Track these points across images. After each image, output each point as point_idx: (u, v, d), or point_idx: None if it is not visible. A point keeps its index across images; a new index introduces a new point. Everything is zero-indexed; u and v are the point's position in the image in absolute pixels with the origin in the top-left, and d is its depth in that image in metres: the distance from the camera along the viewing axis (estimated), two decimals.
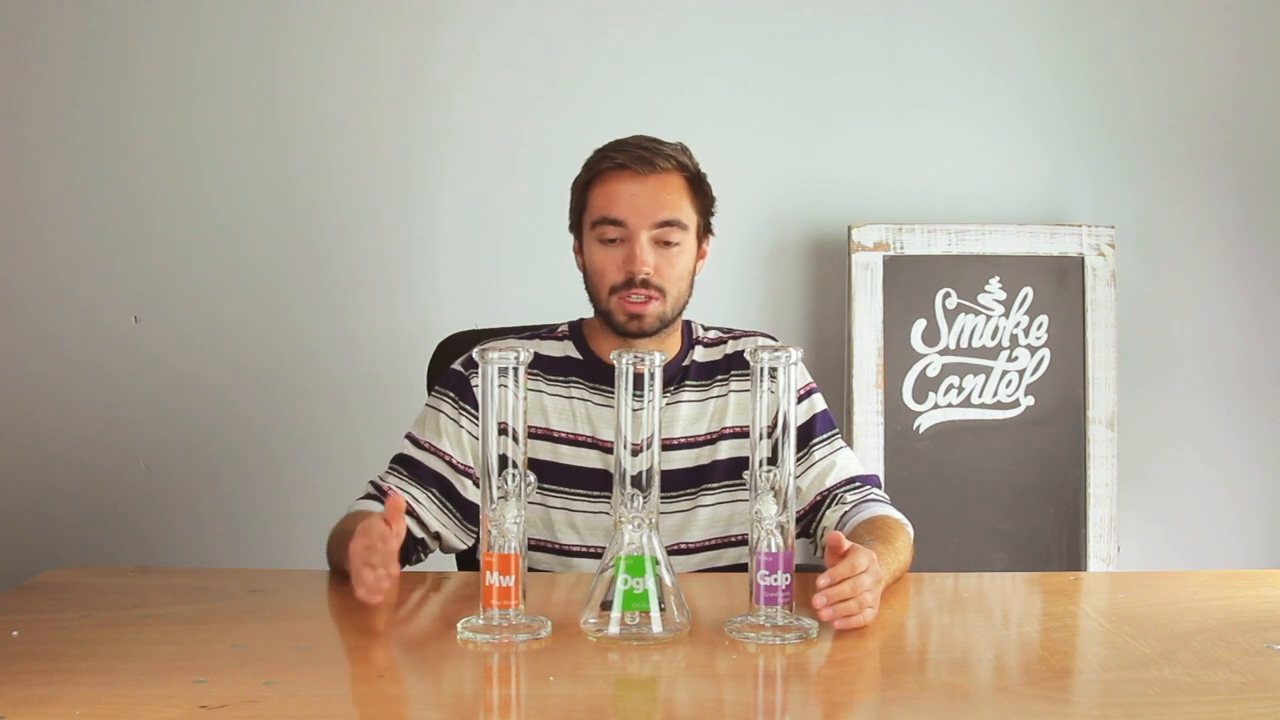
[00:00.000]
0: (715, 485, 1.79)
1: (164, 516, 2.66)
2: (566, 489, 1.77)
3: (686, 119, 2.60)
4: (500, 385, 1.39)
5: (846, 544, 1.44)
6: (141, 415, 2.65)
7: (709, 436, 1.80)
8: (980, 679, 1.30)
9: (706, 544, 1.79)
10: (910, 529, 1.71)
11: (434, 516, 1.74)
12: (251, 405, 2.66)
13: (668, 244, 1.73)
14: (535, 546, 1.76)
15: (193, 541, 2.66)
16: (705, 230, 1.81)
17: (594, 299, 1.78)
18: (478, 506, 1.75)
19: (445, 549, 1.79)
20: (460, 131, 2.66)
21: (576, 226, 1.80)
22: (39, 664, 1.30)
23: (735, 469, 1.79)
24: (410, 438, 1.79)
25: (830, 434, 1.82)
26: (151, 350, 2.65)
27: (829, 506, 1.76)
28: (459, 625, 1.39)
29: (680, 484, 1.78)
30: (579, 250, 1.81)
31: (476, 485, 1.76)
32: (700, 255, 1.80)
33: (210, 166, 2.64)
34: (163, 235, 2.64)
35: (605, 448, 1.77)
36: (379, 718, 1.20)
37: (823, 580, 1.40)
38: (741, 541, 1.78)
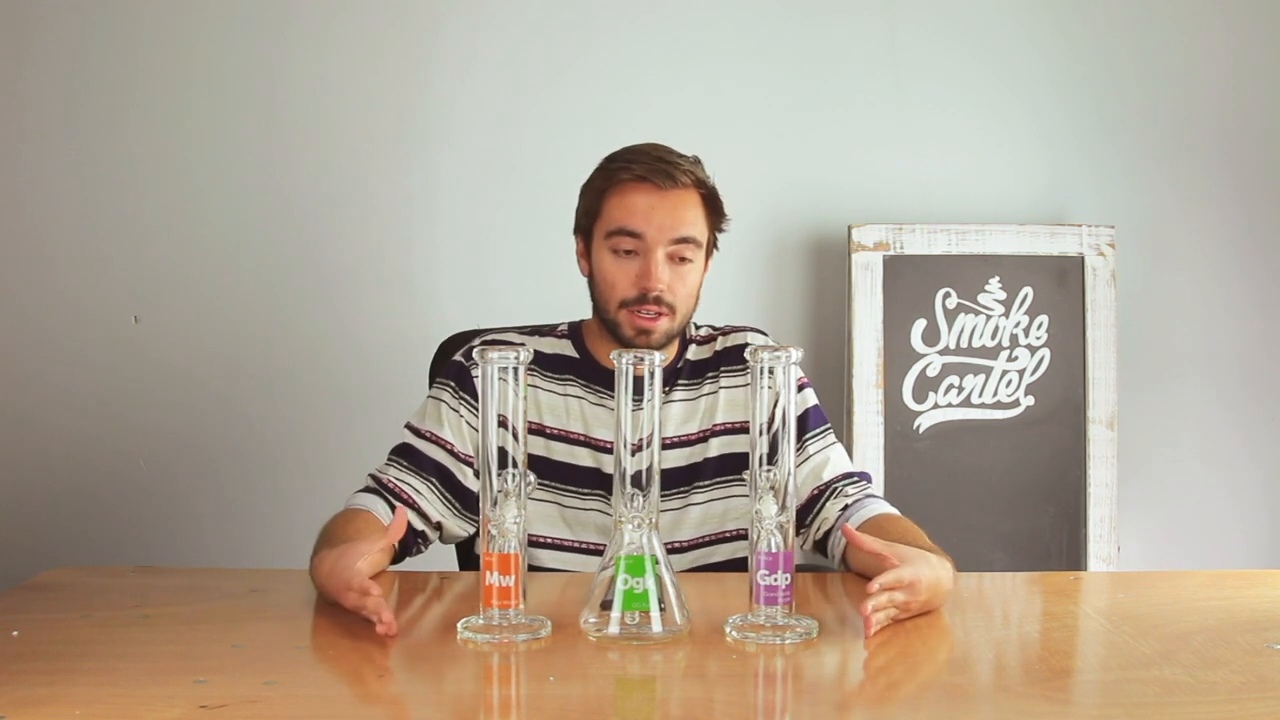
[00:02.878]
0: (706, 482, 1.79)
1: (164, 516, 2.66)
2: (557, 485, 1.78)
3: (687, 119, 2.60)
4: (500, 380, 1.39)
5: (886, 549, 1.45)
6: (141, 415, 2.65)
7: (701, 434, 1.80)
8: (980, 679, 1.30)
9: (700, 541, 1.79)
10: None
11: (433, 506, 1.74)
12: (251, 405, 2.66)
13: (682, 260, 1.73)
14: (529, 542, 1.76)
15: (193, 541, 2.66)
16: (713, 245, 1.81)
17: (601, 308, 1.77)
18: (477, 495, 1.76)
19: (446, 539, 1.79)
20: (460, 131, 2.66)
21: (586, 231, 1.78)
22: (39, 664, 1.30)
23: (726, 465, 1.79)
24: (410, 427, 1.79)
25: (823, 429, 1.82)
26: (151, 350, 2.65)
27: (829, 499, 1.75)
28: (459, 625, 1.39)
29: (673, 483, 1.78)
30: (584, 254, 1.80)
31: (477, 475, 1.76)
32: (704, 269, 1.80)
33: (210, 166, 2.64)
34: (163, 235, 2.64)
35: (597, 446, 1.77)
36: (379, 718, 1.20)
37: (874, 587, 1.40)
38: (736, 536, 1.78)
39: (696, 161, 1.77)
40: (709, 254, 1.80)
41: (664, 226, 1.71)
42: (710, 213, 1.77)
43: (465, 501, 1.77)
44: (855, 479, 1.78)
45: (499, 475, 1.39)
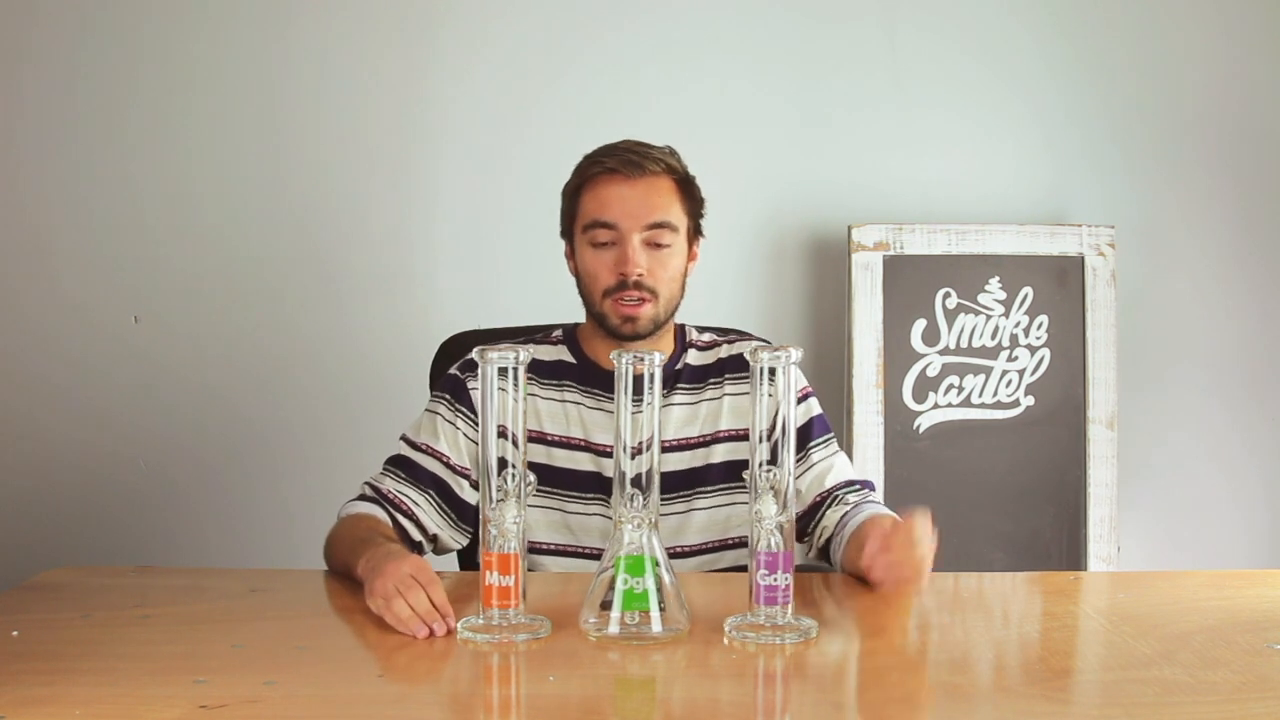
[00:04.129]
0: (710, 488, 1.79)
1: (164, 516, 2.66)
2: (560, 491, 1.78)
3: (686, 119, 2.60)
4: (500, 389, 1.39)
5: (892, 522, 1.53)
6: (141, 415, 2.65)
7: (702, 439, 1.80)
8: (980, 679, 1.30)
9: (704, 547, 1.79)
10: None
11: (431, 519, 1.74)
12: (251, 405, 2.66)
13: (659, 246, 1.74)
14: (531, 549, 1.76)
15: (193, 541, 2.66)
16: (695, 232, 1.81)
17: (587, 303, 1.79)
18: (473, 507, 1.76)
19: (440, 550, 1.79)
20: (460, 132, 2.66)
21: (568, 233, 1.81)
22: (39, 664, 1.30)
23: (731, 472, 1.79)
24: (406, 440, 1.79)
25: (827, 438, 1.83)
26: (151, 350, 2.65)
27: (829, 506, 1.76)
28: (459, 625, 1.39)
29: (674, 487, 1.78)
30: (570, 255, 1.81)
31: (473, 487, 1.76)
32: (691, 257, 1.80)
33: (210, 167, 2.64)
34: (163, 235, 2.64)
35: (598, 451, 1.77)
36: (379, 718, 1.20)
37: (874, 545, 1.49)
38: (740, 544, 1.78)
39: (670, 151, 1.78)
40: (692, 241, 1.80)
41: (636, 214, 1.72)
42: (686, 199, 1.77)
43: (461, 514, 1.77)
44: (857, 486, 1.79)
45: (499, 475, 1.39)
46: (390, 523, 1.71)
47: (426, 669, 1.33)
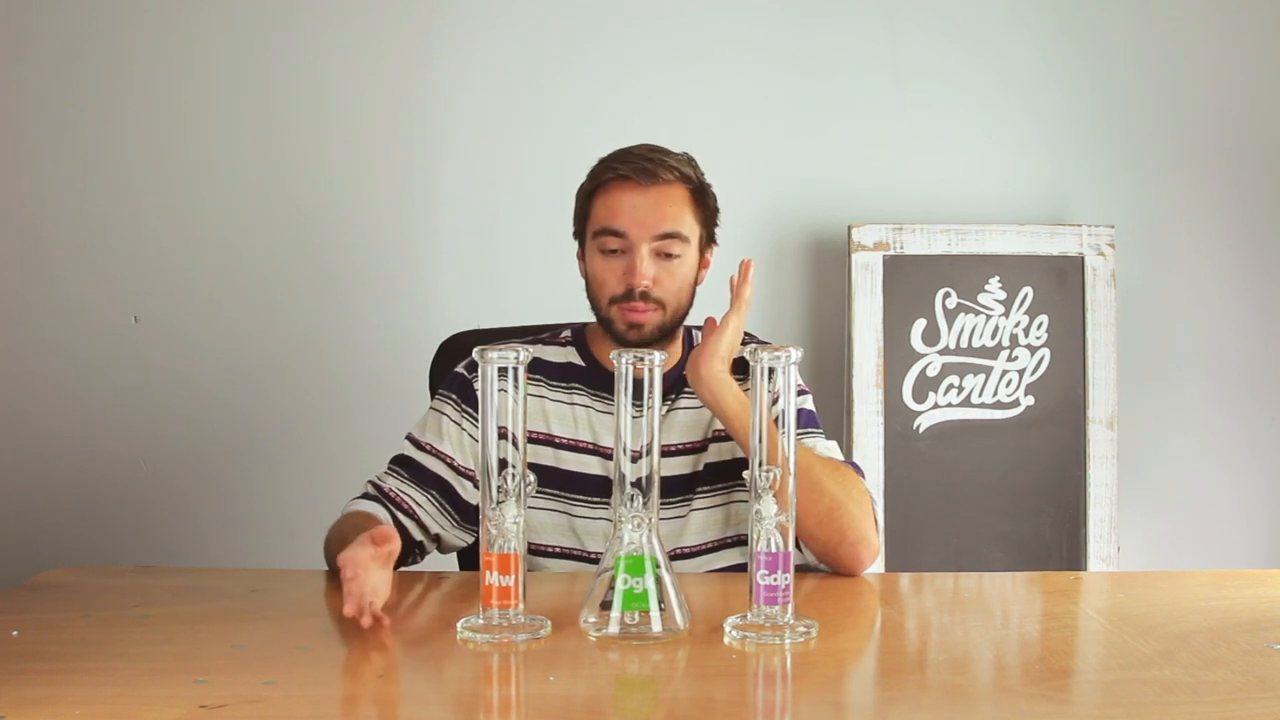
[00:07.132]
0: (707, 488, 1.79)
1: (164, 516, 2.66)
2: (567, 494, 1.77)
3: (686, 119, 2.60)
4: (500, 390, 1.39)
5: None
6: (141, 416, 2.65)
7: (703, 442, 1.80)
8: (980, 679, 1.30)
9: (702, 547, 1.79)
10: (870, 503, 1.69)
11: (433, 519, 1.74)
12: (252, 405, 2.66)
13: (668, 256, 1.73)
14: (535, 551, 1.76)
15: (193, 541, 2.66)
16: (708, 241, 1.80)
17: (595, 308, 1.78)
18: (476, 508, 1.76)
19: (444, 550, 1.80)
20: (460, 130, 2.66)
21: (580, 234, 1.80)
22: (39, 664, 1.30)
23: (724, 471, 1.78)
24: (411, 439, 1.79)
25: (811, 430, 1.80)
26: (151, 350, 2.65)
27: None
28: (459, 625, 1.39)
29: (676, 490, 1.77)
30: (582, 258, 1.81)
31: (477, 488, 1.76)
32: (703, 265, 1.80)
33: (210, 167, 2.64)
34: (163, 236, 2.64)
35: (606, 454, 1.77)
36: (379, 718, 1.20)
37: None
38: (737, 542, 1.78)
39: (687, 160, 1.77)
40: (705, 249, 1.80)
41: (646, 223, 1.72)
42: (700, 208, 1.77)
43: (464, 514, 1.77)
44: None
45: (499, 474, 1.39)
46: (391, 521, 1.71)
47: (427, 669, 1.33)
